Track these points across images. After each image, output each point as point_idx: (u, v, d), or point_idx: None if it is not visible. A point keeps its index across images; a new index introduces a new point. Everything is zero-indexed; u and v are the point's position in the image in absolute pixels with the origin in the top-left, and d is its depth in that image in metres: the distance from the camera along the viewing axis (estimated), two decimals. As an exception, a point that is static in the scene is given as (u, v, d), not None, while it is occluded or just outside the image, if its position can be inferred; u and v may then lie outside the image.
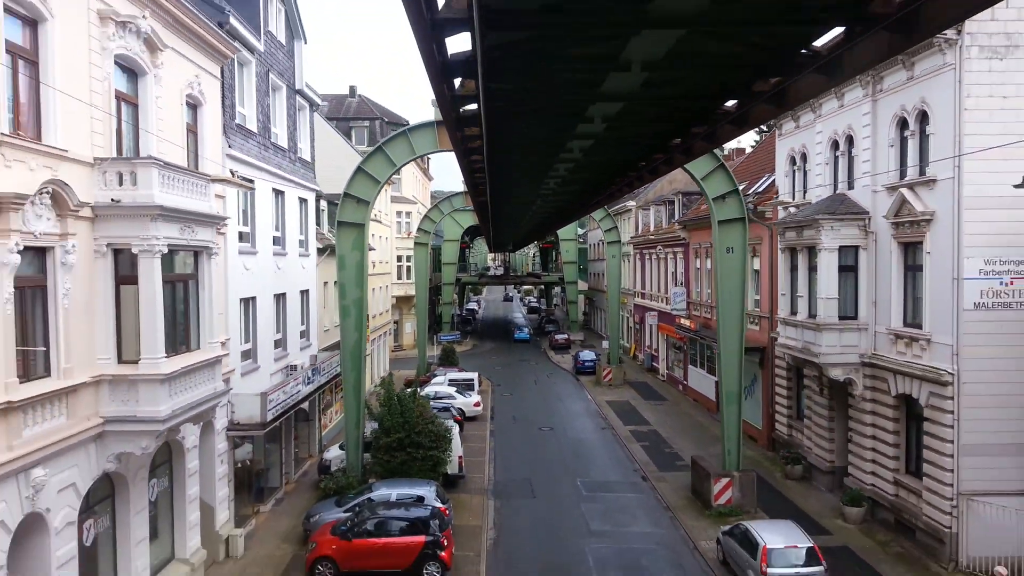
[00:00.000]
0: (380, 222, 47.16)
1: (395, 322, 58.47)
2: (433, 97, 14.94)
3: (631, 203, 56.77)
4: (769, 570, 16.60)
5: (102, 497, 14.33)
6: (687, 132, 13.61)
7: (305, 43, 27.62)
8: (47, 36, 12.28)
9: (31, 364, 12.05)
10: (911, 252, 20.73)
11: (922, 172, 19.82)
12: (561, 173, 20.09)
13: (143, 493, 15.39)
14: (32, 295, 12.12)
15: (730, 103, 11.42)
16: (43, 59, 12.27)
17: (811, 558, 16.93)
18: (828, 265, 22.52)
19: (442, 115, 11.77)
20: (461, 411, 34.32)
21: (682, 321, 40.90)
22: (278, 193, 24.78)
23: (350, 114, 60.89)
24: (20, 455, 11.34)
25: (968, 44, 18.22)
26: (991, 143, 17.18)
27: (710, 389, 36.57)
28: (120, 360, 13.79)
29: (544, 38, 8.56)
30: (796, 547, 16.98)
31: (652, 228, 51.02)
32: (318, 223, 31.53)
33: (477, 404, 37.15)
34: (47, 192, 11.94)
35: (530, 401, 42.35)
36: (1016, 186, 15.76)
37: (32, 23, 12.17)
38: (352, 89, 63.30)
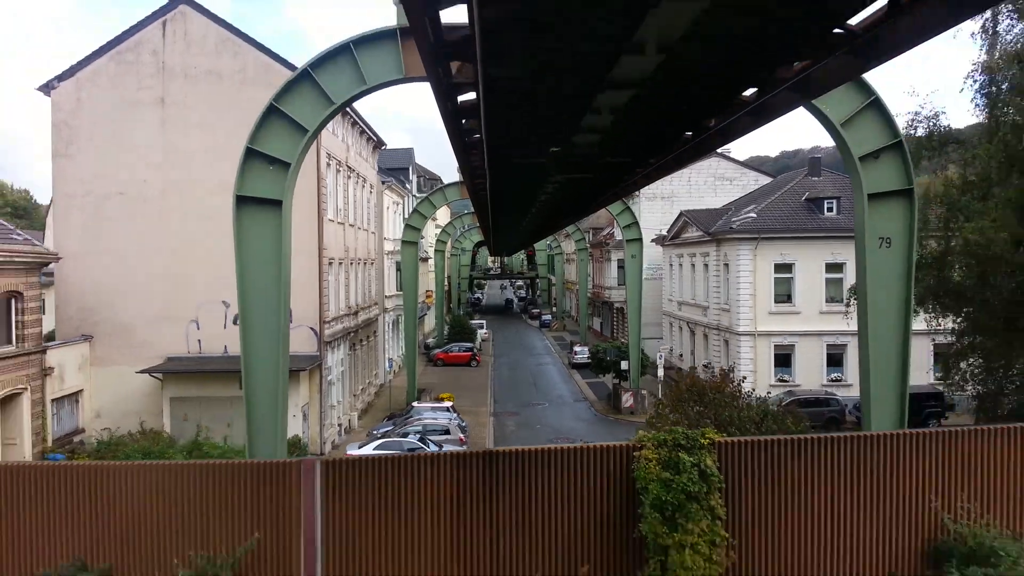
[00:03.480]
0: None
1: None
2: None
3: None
4: (575, 352, 56.37)
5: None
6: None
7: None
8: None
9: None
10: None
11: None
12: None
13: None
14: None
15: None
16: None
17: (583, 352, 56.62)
18: (613, 266, 62.23)
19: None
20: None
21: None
22: (410, 238, 64.45)
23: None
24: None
25: (643, 195, 57.69)
26: (654, 227, 56.59)
27: (598, 325, 76.34)
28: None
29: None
30: (583, 347, 56.80)
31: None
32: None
33: (486, 334, 76.77)
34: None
35: (512, 338, 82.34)
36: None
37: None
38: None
